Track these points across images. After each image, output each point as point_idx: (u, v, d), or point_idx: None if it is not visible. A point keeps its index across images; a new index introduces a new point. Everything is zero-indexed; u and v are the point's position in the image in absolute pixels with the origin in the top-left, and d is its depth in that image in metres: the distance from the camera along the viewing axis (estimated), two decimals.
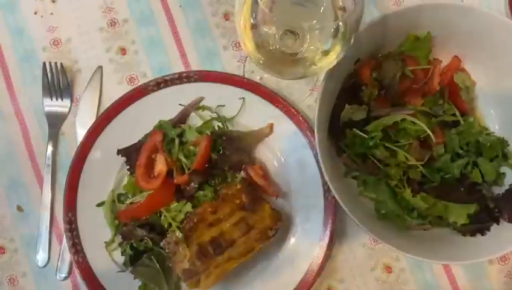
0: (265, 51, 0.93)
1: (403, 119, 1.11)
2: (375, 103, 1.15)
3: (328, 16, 0.93)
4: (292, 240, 1.16)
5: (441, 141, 1.12)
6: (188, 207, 1.10)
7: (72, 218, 1.15)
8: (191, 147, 1.15)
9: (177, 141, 1.14)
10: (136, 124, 1.18)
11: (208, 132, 1.16)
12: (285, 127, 1.17)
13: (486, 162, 1.08)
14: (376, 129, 1.11)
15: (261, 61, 0.94)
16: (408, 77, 1.15)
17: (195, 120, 1.19)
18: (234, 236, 1.08)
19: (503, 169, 1.10)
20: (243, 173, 1.15)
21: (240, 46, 1.25)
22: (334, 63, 0.94)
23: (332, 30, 0.89)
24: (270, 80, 1.23)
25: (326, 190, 1.14)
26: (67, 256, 1.17)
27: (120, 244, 1.15)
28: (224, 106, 1.19)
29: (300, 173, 1.17)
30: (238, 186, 1.11)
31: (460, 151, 1.09)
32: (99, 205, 1.16)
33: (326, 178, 1.00)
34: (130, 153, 1.16)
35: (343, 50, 0.92)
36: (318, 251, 1.13)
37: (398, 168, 1.10)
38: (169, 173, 1.13)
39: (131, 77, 1.25)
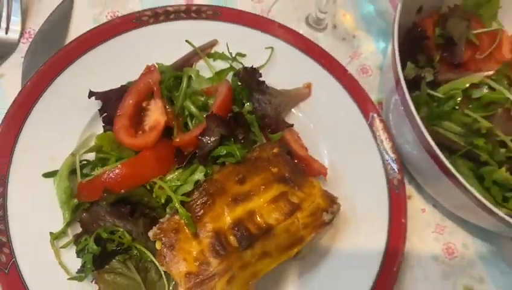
0: None
1: (477, 86, 0.86)
2: (439, 66, 0.90)
3: None
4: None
5: None
6: (200, 173, 0.70)
7: None
8: (201, 97, 0.79)
9: (185, 82, 0.77)
10: (117, 66, 0.81)
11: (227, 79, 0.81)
12: (328, 88, 0.86)
13: None
14: (450, 92, 0.85)
15: None
16: (472, 44, 0.93)
17: (203, 72, 0.84)
18: (271, 219, 0.69)
19: None
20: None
21: None
22: None
23: None
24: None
25: (390, 174, 0.81)
26: None
27: (76, 239, 0.70)
28: (245, 56, 0.86)
29: (351, 151, 0.84)
30: (275, 150, 0.75)
31: None
32: (47, 175, 0.73)
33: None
34: (107, 99, 0.77)
35: None
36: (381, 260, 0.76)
37: (486, 141, 0.82)
38: (166, 133, 0.75)
39: (115, 15, 0.90)
